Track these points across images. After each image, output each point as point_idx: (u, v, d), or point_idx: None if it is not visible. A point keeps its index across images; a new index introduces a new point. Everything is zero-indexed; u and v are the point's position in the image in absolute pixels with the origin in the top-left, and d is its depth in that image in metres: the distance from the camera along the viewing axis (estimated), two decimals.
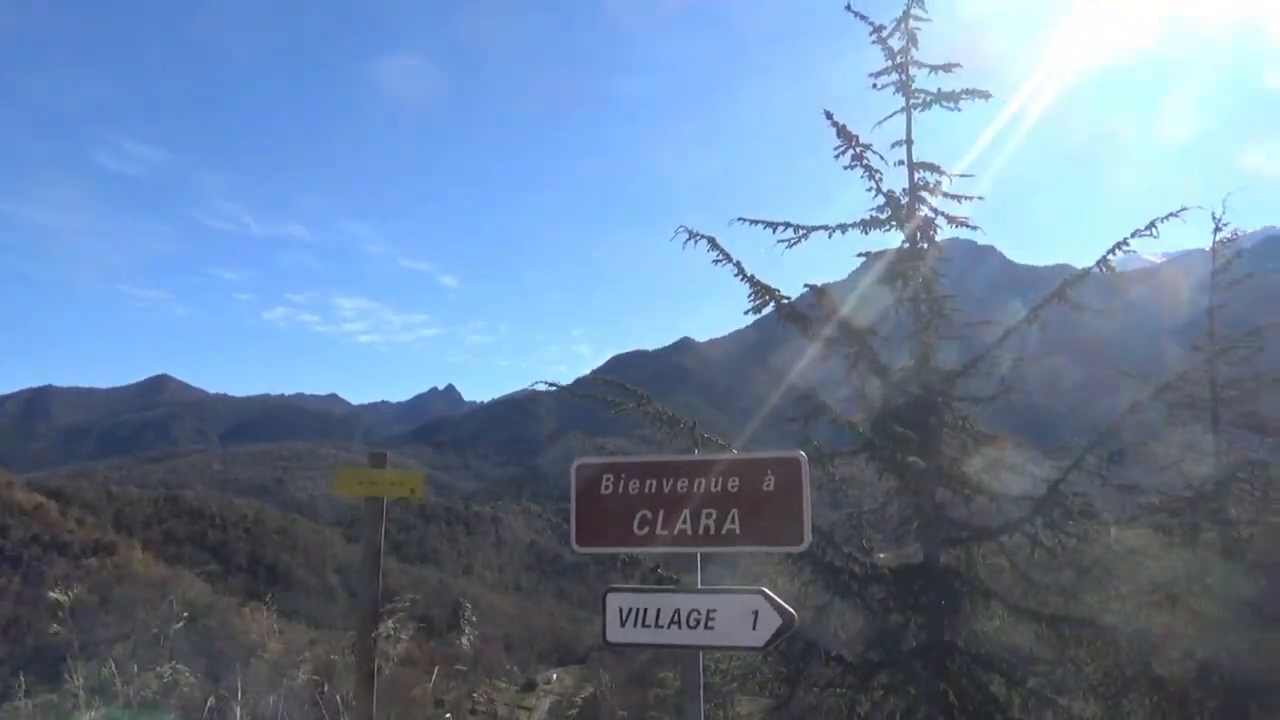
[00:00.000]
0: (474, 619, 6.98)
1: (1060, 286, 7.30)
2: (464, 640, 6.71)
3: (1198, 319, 9.30)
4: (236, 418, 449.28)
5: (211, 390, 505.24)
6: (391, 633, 5.95)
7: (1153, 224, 7.04)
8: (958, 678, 6.76)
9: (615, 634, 4.52)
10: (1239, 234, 9.07)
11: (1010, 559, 7.35)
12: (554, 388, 8.61)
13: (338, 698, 6.59)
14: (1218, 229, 9.00)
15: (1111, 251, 7.19)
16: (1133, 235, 7.14)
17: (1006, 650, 6.94)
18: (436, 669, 7.60)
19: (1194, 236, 9.32)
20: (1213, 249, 9.12)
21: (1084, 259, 7.92)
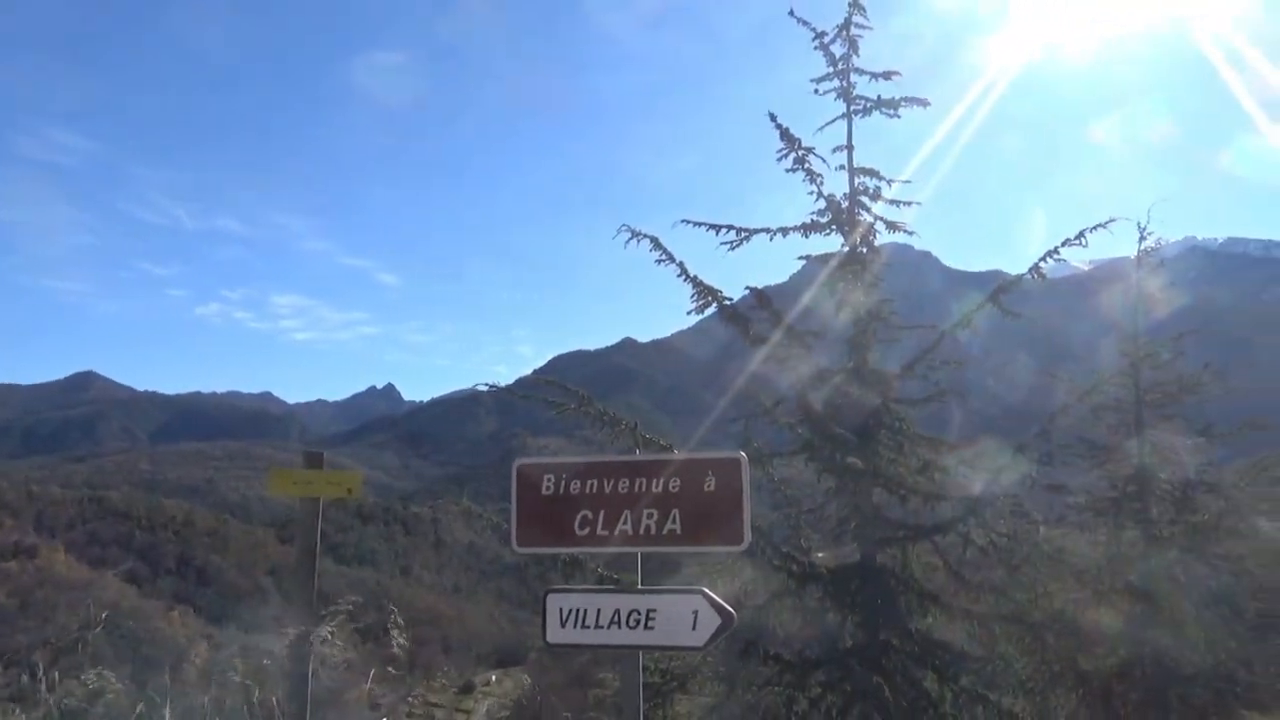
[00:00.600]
0: (401, 622, 6.87)
1: (994, 292, 7.49)
2: (393, 645, 6.60)
3: (1170, 321, 9.64)
4: (166, 416, 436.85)
5: (140, 388, 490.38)
6: (327, 636, 5.85)
7: (1082, 233, 7.26)
8: (893, 675, 6.88)
9: (555, 635, 4.51)
10: (1162, 243, 9.41)
11: (944, 558, 7.51)
12: (495, 388, 8.56)
13: (272, 701, 6.46)
14: (1142, 238, 9.31)
15: (1043, 259, 7.40)
16: (1063, 244, 7.35)
17: (940, 648, 7.08)
18: (372, 672, 7.48)
19: (1171, 235, 9.56)
20: (1137, 257, 9.44)
21: (1017, 265, 8.12)
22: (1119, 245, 9.56)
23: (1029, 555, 7.69)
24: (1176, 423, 9.15)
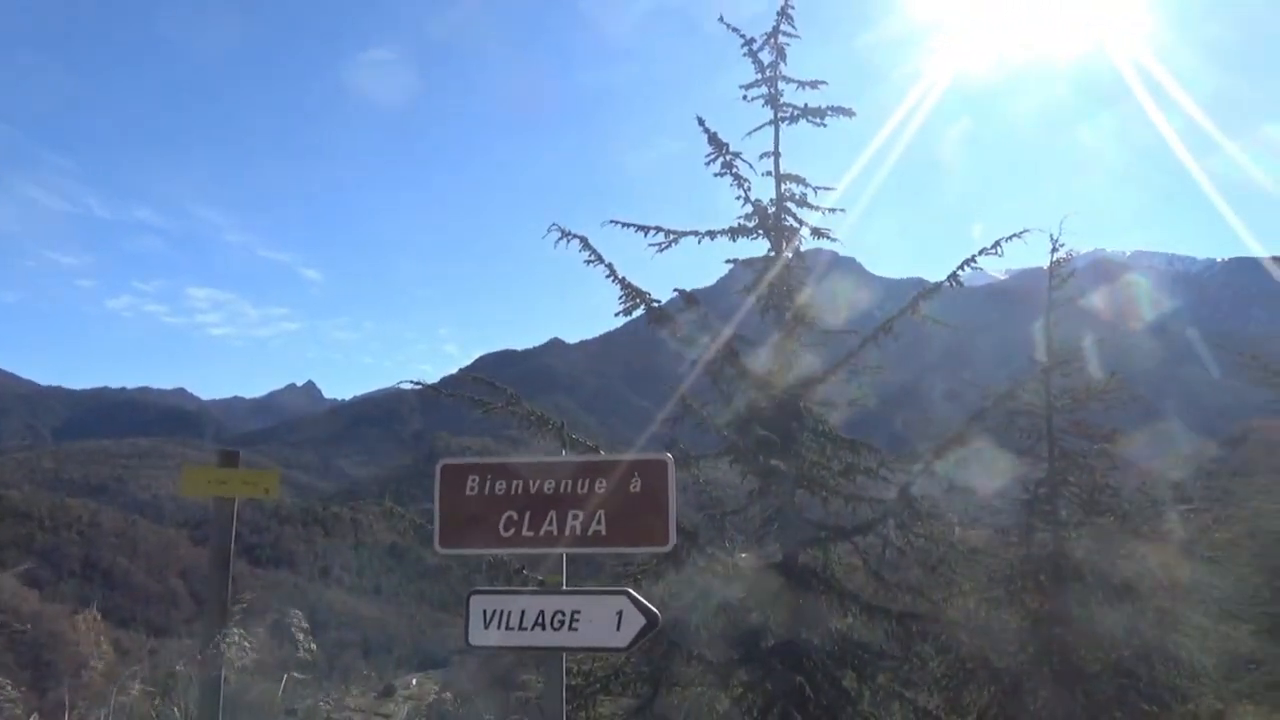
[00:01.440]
0: (306, 626, 6.73)
1: (914, 299, 7.68)
2: (300, 650, 6.46)
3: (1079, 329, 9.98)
4: (71, 412, 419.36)
5: (44, 382, 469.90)
6: (239, 639, 5.69)
7: (998, 243, 7.50)
8: (813, 674, 7.00)
9: (478, 637, 4.47)
10: (1073, 254, 9.75)
11: (864, 558, 7.67)
12: (420, 386, 8.43)
13: (178, 709, 6.25)
14: (1054, 249, 9.64)
15: (961, 268, 7.62)
16: (980, 253, 7.58)
17: (859, 646, 7.23)
18: (286, 676, 7.31)
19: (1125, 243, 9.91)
20: (1049, 268, 9.77)
21: (937, 273, 8.35)
22: (1035, 256, 9.93)
23: (945, 556, 7.90)
24: (1084, 428, 9.51)
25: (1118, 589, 8.66)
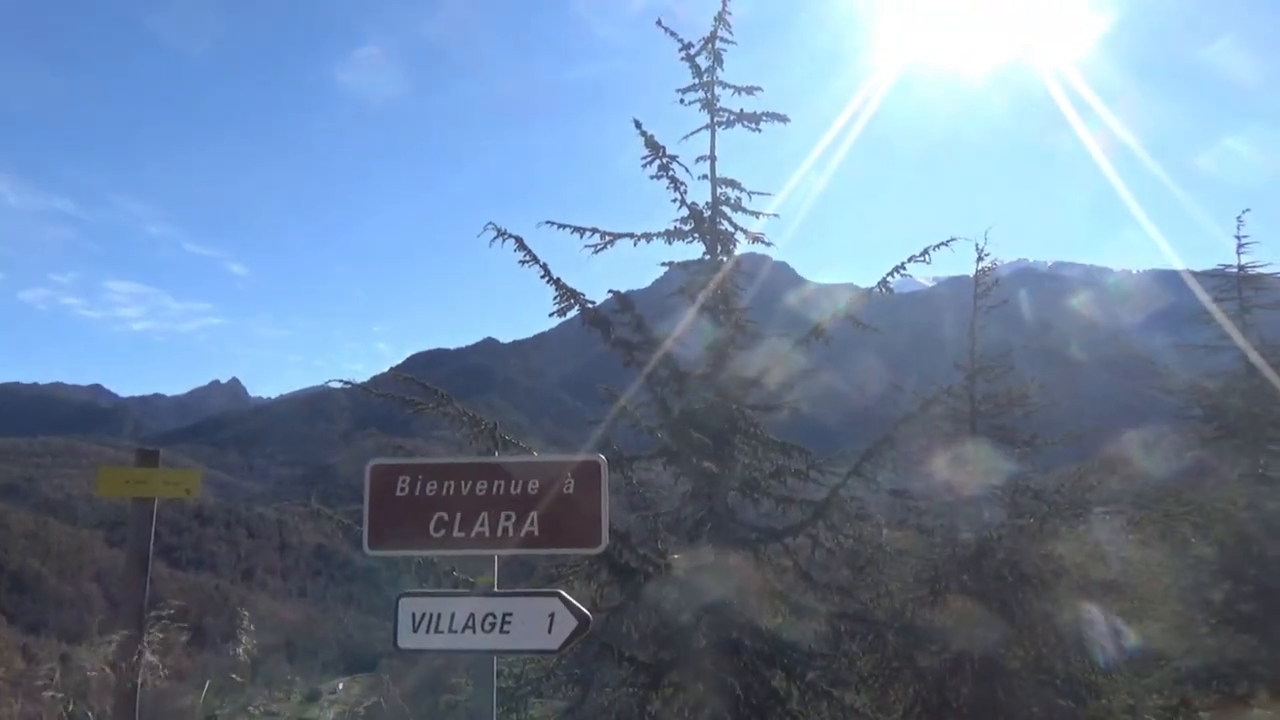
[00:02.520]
0: (252, 628, 6.56)
1: (844, 304, 7.83)
2: (241, 651, 6.28)
3: (1002, 336, 10.24)
4: None
5: None
6: (157, 643, 5.51)
7: (926, 250, 7.68)
8: (743, 673, 7.06)
9: (407, 640, 4.41)
10: (996, 263, 10.04)
11: (794, 559, 7.78)
12: (349, 385, 8.29)
13: (92, 716, 6.02)
14: (980, 258, 9.91)
15: (891, 274, 7.79)
16: (909, 260, 7.75)
17: (788, 646, 7.32)
18: (208, 682, 7.10)
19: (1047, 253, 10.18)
20: (975, 276, 10.03)
21: (867, 279, 8.51)
22: (961, 264, 10.18)
23: (872, 557, 8.06)
24: (1006, 432, 9.79)
25: (1037, 588, 8.94)
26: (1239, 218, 11.15)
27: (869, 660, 8.61)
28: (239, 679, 6.66)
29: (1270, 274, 11.07)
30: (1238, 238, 11.03)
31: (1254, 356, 10.16)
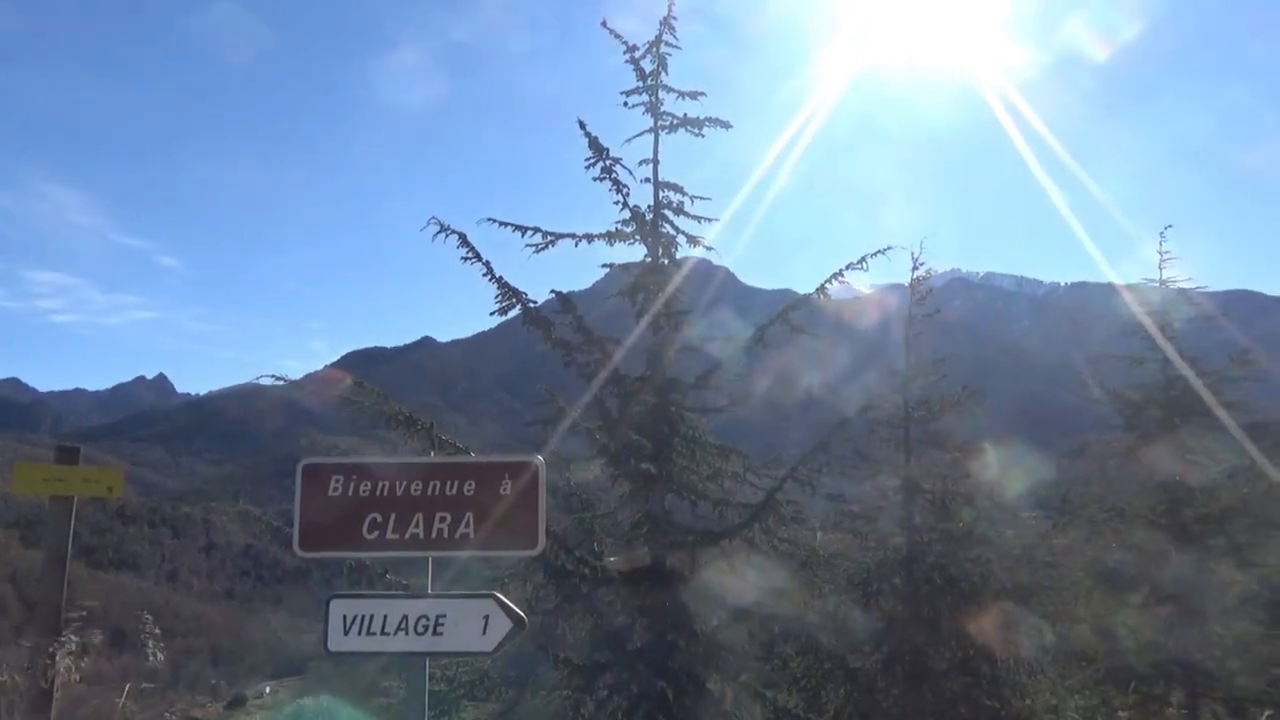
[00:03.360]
0: (158, 631, 6.36)
1: (783, 309, 7.92)
2: (149, 655, 6.08)
3: (936, 344, 10.45)
4: None
5: None
6: (74, 647, 5.32)
7: (864, 258, 7.81)
8: (678, 675, 7.09)
9: (338, 643, 4.32)
10: (931, 272, 10.26)
11: (730, 561, 7.83)
12: (282, 381, 8.11)
13: None
14: (915, 267, 10.11)
15: (829, 281, 7.89)
16: (847, 268, 7.87)
17: (723, 648, 7.36)
18: (128, 687, 6.88)
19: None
20: (910, 285, 10.23)
21: (806, 286, 8.63)
22: (897, 273, 10.37)
23: (807, 559, 8.15)
24: (938, 438, 10.00)
25: (965, 591, 9.15)
26: (1161, 234, 11.55)
27: (802, 661, 8.71)
28: (150, 685, 6.45)
29: (1191, 288, 11.48)
30: (1160, 253, 11.42)
31: (1183, 368, 10.53)
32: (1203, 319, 11.53)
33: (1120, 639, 10.22)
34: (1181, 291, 11.41)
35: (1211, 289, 12.53)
